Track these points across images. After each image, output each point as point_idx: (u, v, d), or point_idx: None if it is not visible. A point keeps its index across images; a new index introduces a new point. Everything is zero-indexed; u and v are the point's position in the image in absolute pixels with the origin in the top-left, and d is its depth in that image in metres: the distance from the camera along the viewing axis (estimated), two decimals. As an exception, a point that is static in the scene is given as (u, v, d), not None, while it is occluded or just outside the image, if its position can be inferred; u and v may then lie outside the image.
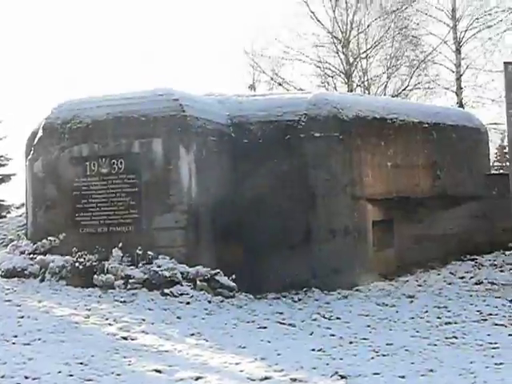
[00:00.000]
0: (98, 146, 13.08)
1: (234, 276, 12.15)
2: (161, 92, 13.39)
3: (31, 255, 12.71)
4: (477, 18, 33.82)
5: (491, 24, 33.57)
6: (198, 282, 11.79)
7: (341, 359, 8.39)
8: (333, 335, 9.77)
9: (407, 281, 14.07)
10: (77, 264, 12.04)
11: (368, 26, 35.61)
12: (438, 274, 14.55)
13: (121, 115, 12.99)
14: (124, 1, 63.39)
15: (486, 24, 33.73)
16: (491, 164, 23.06)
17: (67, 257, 12.29)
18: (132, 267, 12.03)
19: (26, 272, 12.35)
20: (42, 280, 12.12)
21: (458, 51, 34.10)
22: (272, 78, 36.58)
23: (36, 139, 13.58)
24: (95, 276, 11.83)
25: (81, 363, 7.64)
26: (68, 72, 61.66)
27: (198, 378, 7.32)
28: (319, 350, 8.80)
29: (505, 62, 13.03)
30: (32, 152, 13.56)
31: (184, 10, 65.32)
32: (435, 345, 9.21)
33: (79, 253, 12.24)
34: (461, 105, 32.89)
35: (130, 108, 13.02)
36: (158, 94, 13.25)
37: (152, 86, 13.82)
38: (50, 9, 65.39)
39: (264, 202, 13.51)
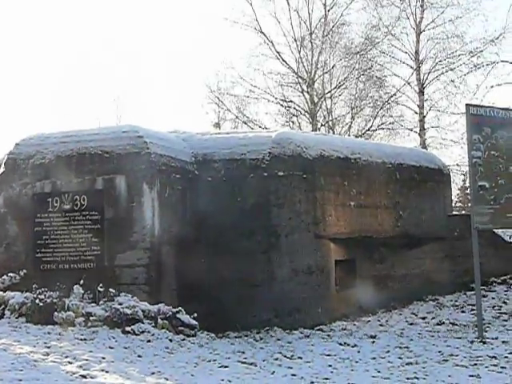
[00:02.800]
0: (60, 182, 13.00)
1: (195, 314, 12.07)
2: (125, 129, 13.39)
3: (-10, 291, 12.53)
4: (439, 61, 34.41)
5: (454, 67, 34.16)
6: (159, 320, 11.70)
7: (302, 399, 8.35)
8: (294, 375, 9.72)
9: (369, 321, 14.11)
10: (37, 301, 11.88)
11: (333, 67, 36.05)
12: (400, 314, 14.62)
13: (84, 151, 12.95)
14: (91, 35, 63.48)
15: (448, 66, 34.31)
16: (453, 205, 23.30)
17: (27, 293, 12.12)
18: (93, 304, 11.91)
19: (-16, 308, 12.15)
20: (1, 317, 11.93)
21: (421, 93, 34.59)
22: (237, 117, 36.82)
23: (-2, 175, 13.47)
24: (55, 313, 11.68)
25: (38, 402, 7.51)
26: (32, 107, 61.43)
27: (157, 418, 7.23)
28: (280, 390, 8.76)
29: (467, 104, 13.20)
30: (-6, 187, 13.44)
31: (149, 47, 65.57)
32: (396, 385, 9.21)
33: (40, 289, 12.08)
34: (424, 146, 33.27)
35: (93, 144, 12.98)
36: (123, 131, 13.24)
37: (117, 122, 13.82)
38: (8, 35, 65.25)
39: (228, 240, 13.49)
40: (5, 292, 12.38)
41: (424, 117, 34.76)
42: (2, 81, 64.38)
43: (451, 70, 34.26)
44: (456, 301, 15.46)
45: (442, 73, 34.51)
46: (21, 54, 65.27)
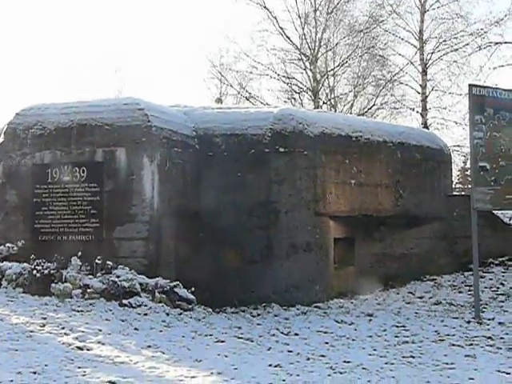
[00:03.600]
0: (60, 153, 12.95)
1: (193, 289, 12.07)
2: (126, 101, 13.31)
3: (-12, 261, 12.52)
4: (444, 41, 34.22)
5: (457, 47, 33.99)
6: (156, 294, 11.69)
7: (297, 375, 8.35)
8: (290, 351, 9.74)
9: (366, 299, 14.12)
10: (34, 272, 11.86)
11: (336, 45, 35.86)
12: (398, 294, 14.63)
13: (85, 123, 12.88)
14: (95, 11, 63.19)
15: (452, 47, 34.15)
16: (453, 186, 23.27)
17: (25, 264, 12.10)
18: (90, 277, 11.89)
19: (-19, 278, 12.15)
20: (-2, 287, 11.94)
21: (424, 72, 34.44)
22: (239, 92, 36.70)
23: (-2, 144, 13.42)
24: (53, 284, 11.67)
25: (34, 372, 7.50)
26: (33, 77, 61.24)
27: (152, 391, 7.24)
28: (276, 366, 8.76)
29: (470, 85, 13.13)
30: (-7, 157, 13.40)
31: (153, 21, 65.28)
32: (392, 363, 9.21)
33: (37, 260, 12.06)
34: (425, 126, 33.18)
35: (94, 116, 12.91)
36: (124, 104, 13.16)
37: (118, 95, 13.75)
38: (16, 11, 64.93)
39: (227, 215, 13.48)
40: (2, 262, 12.36)
41: (426, 97, 34.64)
42: (4, 50, 64.16)
43: (455, 50, 34.12)
44: (454, 281, 15.46)
45: (446, 53, 34.37)
46: (23, 23, 65.02)
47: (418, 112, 35.12)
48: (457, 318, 12.48)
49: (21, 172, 13.10)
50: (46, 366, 7.78)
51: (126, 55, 60.92)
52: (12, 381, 7.11)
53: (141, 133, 12.63)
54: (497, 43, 32.26)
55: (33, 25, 65.38)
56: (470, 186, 15.94)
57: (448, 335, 11.06)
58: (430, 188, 16.40)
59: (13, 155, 13.19)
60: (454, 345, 10.45)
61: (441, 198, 16.60)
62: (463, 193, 29.33)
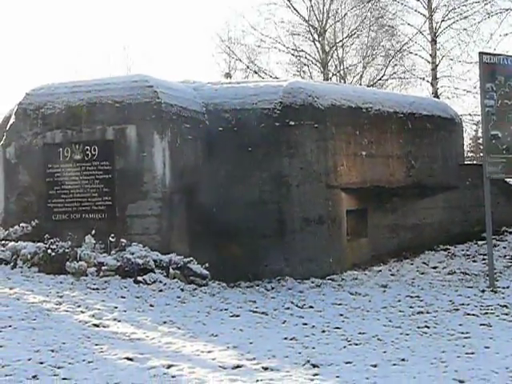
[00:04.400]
0: (71, 132, 12.96)
1: (207, 264, 12.12)
2: (136, 78, 13.30)
3: (3, 241, 12.58)
4: (453, 9, 33.89)
5: (467, 15, 33.67)
6: (171, 270, 11.75)
7: (313, 348, 8.40)
8: (305, 324, 9.79)
9: (380, 270, 14.15)
10: (49, 251, 11.92)
11: (344, 15, 35.68)
12: (411, 264, 14.65)
13: (95, 101, 12.88)
14: (100, -14, 62.96)
15: (461, 14, 33.80)
16: (465, 154, 23.18)
17: (39, 243, 12.17)
18: (105, 254, 11.96)
19: (-3, 258, 12.23)
20: (14, 267, 12.00)
21: (433, 41, 34.17)
22: (248, 66, 36.58)
23: (8, 125, 13.44)
24: (67, 263, 11.74)
25: (52, 350, 7.58)
26: (42, 57, 61.20)
27: (169, 366, 7.29)
28: (291, 339, 8.82)
29: (480, 53, 13.06)
30: (4, 137, 13.42)
31: (160, -3, 65.02)
32: (407, 334, 9.25)
33: (52, 240, 12.13)
34: (436, 95, 32.99)
35: (104, 94, 12.91)
36: (133, 81, 13.15)
37: (127, 72, 13.72)
38: (24, -7, 64.79)
39: (238, 190, 13.49)
40: (17, 242, 12.43)
41: (436, 66, 34.39)
42: (13, 30, 64.08)
43: (464, 18, 33.77)
44: (467, 250, 15.46)
45: (455, 21, 34.03)
46: (32, 3, 64.87)
47: (428, 81, 34.90)
48: (471, 287, 12.51)
49: (32, 152, 13.13)
50: (63, 343, 7.86)
51: (134, 32, 60.75)
52: (30, 359, 7.19)
53: (151, 110, 12.63)
54: (507, 9, 31.92)
55: (41, 3, 65.22)
56: (482, 155, 15.88)
57: (463, 304, 11.08)
58: (441, 157, 16.34)
59: (24, 135, 13.21)
60: (468, 314, 10.48)
61: (453, 167, 16.55)
62: (475, 162, 29.24)
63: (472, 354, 8.18)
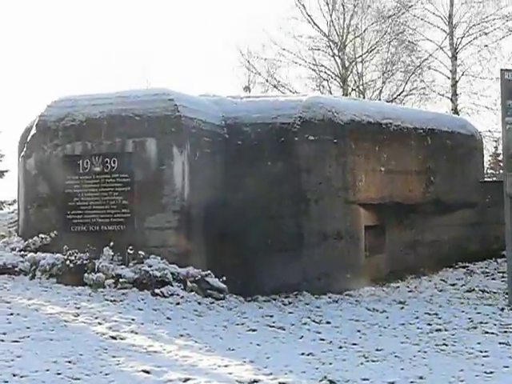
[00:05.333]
0: (91, 144, 13.03)
1: (224, 278, 12.11)
2: (156, 92, 13.37)
3: (22, 252, 12.65)
4: (474, 25, 33.90)
5: (488, 31, 33.65)
6: (188, 283, 11.76)
7: (330, 364, 8.36)
8: (322, 339, 9.74)
9: (398, 287, 14.07)
10: (67, 262, 11.97)
11: (364, 31, 35.67)
12: (430, 281, 14.56)
13: (115, 114, 12.95)
14: (120, 2, 63.35)
15: (482, 31, 33.81)
16: (485, 171, 23.09)
17: (58, 255, 12.23)
18: (123, 266, 11.98)
19: (16, 269, 12.26)
20: (33, 277, 12.06)
21: (454, 57, 34.14)
22: (267, 80, 36.60)
23: (29, 136, 13.53)
24: (86, 274, 11.78)
25: (69, 362, 7.59)
26: (64, 69, 61.60)
27: (186, 380, 7.28)
28: (309, 355, 8.78)
29: (502, 70, 13.01)
30: (25, 149, 13.51)
31: (180, 11, 65.32)
32: (425, 352, 9.18)
33: (70, 251, 12.17)
34: (456, 111, 32.92)
35: (124, 107, 12.97)
36: (153, 94, 13.22)
37: (147, 86, 13.78)
38: (50, 6, 65.27)
39: (256, 204, 13.47)
40: (36, 253, 12.49)
41: (456, 82, 34.34)
42: (34, 44, 64.58)
43: (485, 34, 33.78)
44: (486, 268, 15.35)
45: (476, 37, 34.05)
46: (53, 18, 65.37)
47: (447, 97, 34.86)
48: (490, 305, 12.41)
49: (52, 163, 13.20)
50: (80, 355, 7.87)
51: (155, 45, 61.02)
52: (48, 370, 7.20)
53: (171, 123, 12.67)
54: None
55: (62, 18, 65.68)
56: (501, 172, 15.80)
57: (481, 323, 11.00)
58: (461, 174, 16.27)
59: (44, 147, 13.29)
60: (487, 332, 10.38)
61: (472, 184, 16.46)
62: (495, 178, 29.10)
63: (491, 373, 8.10)
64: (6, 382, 6.80)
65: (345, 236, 13.74)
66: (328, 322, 10.95)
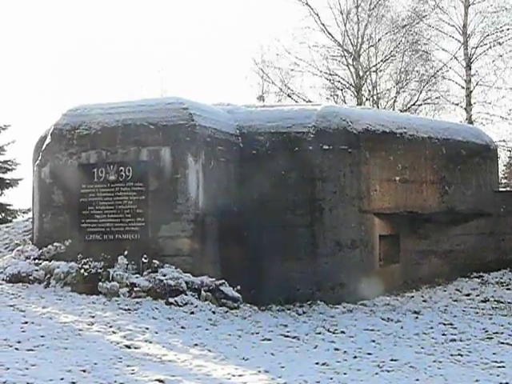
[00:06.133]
0: (105, 153, 13.06)
1: (238, 287, 12.11)
2: (170, 100, 13.39)
3: (36, 260, 12.69)
4: (488, 35, 33.80)
5: (502, 41, 33.57)
6: (202, 292, 11.76)
7: (345, 374, 8.34)
8: (337, 349, 9.72)
9: (413, 296, 14.02)
10: (82, 271, 12.01)
11: (379, 40, 35.62)
12: (444, 291, 14.50)
13: (130, 123, 12.98)
14: (135, 11, 63.61)
15: (497, 41, 33.71)
16: (499, 181, 23.01)
17: (72, 263, 12.26)
18: (137, 275, 12.00)
19: (30, 277, 12.31)
20: (47, 286, 12.10)
21: (468, 67, 34.06)
22: (281, 90, 36.57)
23: (44, 145, 13.58)
24: (100, 283, 11.80)
25: (83, 371, 7.61)
26: (78, 78, 61.85)
27: (200, 389, 7.28)
28: (323, 364, 8.76)
29: (516, 79, 12.99)
30: (40, 157, 13.56)
31: (195, 21, 65.52)
32: (440, 362, 9.15)
33: (84, 259, 12.21)
34: (470, 121, 32.82)
35: (139, 116, 13.01)
36: (168, 103, 13.25)
37: (162, 94, 13.80)
38: (61, 15, 65.60)
39: (271, 214, 13.48)
40: (50, 261, 12.52)
41: (471, 92, 34.24)
42: (49, 53, 64.90)
43: (499, 44, 33.69)
44: (501, 278, 15.27)
45: (490, 47, 33.93)
46: (70, 28, 65.70)
47: (462, 107, 34.76)
48: (505, 315, 12.36)
49: (67, 172, 13.24)
50: (95, 364, 7.88)
51: (169, 54, 61.22)
52: (63, 379, 7.22)
53: (185, 132, 12.69)
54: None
55: (79, 27, 66.01)
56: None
57: (496, 333, 10.94)
58: (475, 184, 16.21)
59: (59, 156, 13.33)
60: (502, 343, 10.35)
61: (487, 193, 16.39)
62: (509, 188, 28.98)
63: (506, 383, 8.06)
64: (21, 390, 6.82)
65: (359, 245, 13.72)
66: (342, 332, 10.92)
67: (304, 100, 35.04)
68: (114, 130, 13.06)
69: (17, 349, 8.30)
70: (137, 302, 11.30)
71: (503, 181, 38.55)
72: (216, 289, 11.91)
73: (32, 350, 8.28)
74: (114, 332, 9.49)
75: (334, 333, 10.87)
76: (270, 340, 10.11)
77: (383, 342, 10.29)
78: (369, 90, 36.36)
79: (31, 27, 64.85)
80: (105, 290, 11.71)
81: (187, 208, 12.52)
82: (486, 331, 11.09)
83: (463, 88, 34.63)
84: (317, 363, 8.81)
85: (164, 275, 11.82)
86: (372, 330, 11.09)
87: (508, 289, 14.58)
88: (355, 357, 9.30)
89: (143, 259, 12.13)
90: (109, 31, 66.32)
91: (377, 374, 8.45)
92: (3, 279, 12.39)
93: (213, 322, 10.76)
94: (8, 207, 29.65)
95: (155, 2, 60.42)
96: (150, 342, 9.17)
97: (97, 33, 65.68)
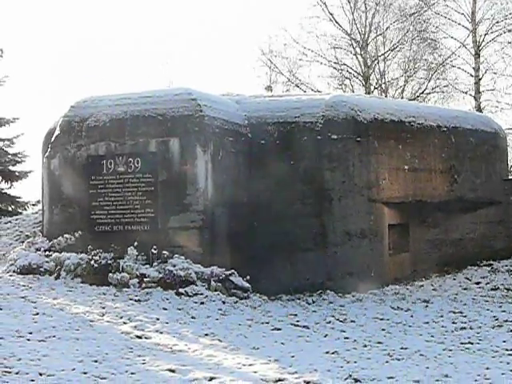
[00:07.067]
0: (114, 144, 13.09)
1: (248, 277, 12.13)
2: (179, 91, 13.38)
3: (47, 252, 12.73)
4: (497, 22, 33.60)
5: (511, 28, 33.37)
6: (212, 283, 11.78)
7: (355, 362, 8.37)
8: (347, 338, 9.75)
9: (422, 285, 14.03)
10: (92, 262, 12.05)
11: (387, 29, 35.49)
12: (454, 279, 14.50)
13: (138, 114, 13.00)
14: (143, 1, 63.56)
15: (506, 28, 33.52)
16: (509, 169, 22.93)
17: (83, 254, 12.31)
18: (147, 266, 12.03)
19: (41, 269, 12.36)
20: (57, 277, 12.14)
21: (477, 55, 33.89)
22: (289, 79, 36.50)
23: (53, 137, 13.61)
24: (110, 274, 11.84)
25: (95, 361, 7.65)
26: (86, 70, 61.88)
27: (211, 379, 7.31)
28: (333, 353, 8.79)
29: (525, 67, 12.94)
30: (49, 149, 13.59)
31: (202, 11, 65.42)
32: (450, 350, 9.17)
33: (94, 251, 12.25)
34: (479, 109, 32.70)
35: (147, 107, 13.02)
36: (176, 94, 13.24)
37: (170, 85, 13.79)
38: (70, 7, 65.62)
39: (280, 203, 13.49)
40: (60, 253, 12.57)
41: (480, 79, 34.08)
42: (57, 45, 64.97)
43: (509, 31, 33.48)
44: (511, 266, 15.25)
45: (499, 34, 33.72)
46: (76, 18, 65.70)
47: (471, 95, 34.62)
48: (515, 303, 12.36)
49: (76, 164, 13.28)
50: (106, 354, 7.92)
51: (176, 45, 61.17)
52: (74, 369, 7.26)
53: (194, 122, 12.70)
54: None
55: (85, 18, 66.03)
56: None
57: (506, 321, 10.95)
58: (485, 172, 16.18)
59: (68, 147, 13.37)
60: (512, 331, 10.36)
61: (496, 182, 16.36)
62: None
63: (517, 371, 8.08)
64: (33, 380, 6.86)
65: (368, 235, 13.72)
66: (352, 321, 10.95)
67: (312, 90, 34.95)
68: (122, 121, 13.07)
69: (28, 340, 8.34)
70: (147, 293, 11.35)
71: (512, 169, 38.43)
72: (226, 279, 11.93)
73: (44, 341, 8.33)
74: (124, 322, 9.54)
75: (343, 322, 10.90)
76: (280, 329, 10.14)
77: (393, 331, 10.31)
78: (377, 79, 36.26)
79: (36, 17, 64.89)
80: (115, 281, 11.75)
81: (196, 199, 12.54)
82: (496, 319, 11.10)
83: (472, 76, 34.48)
84: (327, 352, 8.84)
85: (174, 266, 11.85)
86: (382, 319, 11.12)
87: (518, 277, 14.56)
88: (365, 345, 9.33)
89: (153, 250, 12.16)
90: (118, 22, 66.32)
91: (387, 362, 8.48)
92: (14, 271, 12.45)
93: (223, 312, 10.80)
94: (18, 200, 29.68)
95: (162, -8, 60.38)
96: (161, 333, 9.21)
97: (106, 24, 65.71)
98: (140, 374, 7.34)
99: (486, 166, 16.23)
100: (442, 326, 10.65)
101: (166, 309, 10.60)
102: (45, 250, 12.83)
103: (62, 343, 8.30)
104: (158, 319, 9.81)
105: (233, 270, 12.11)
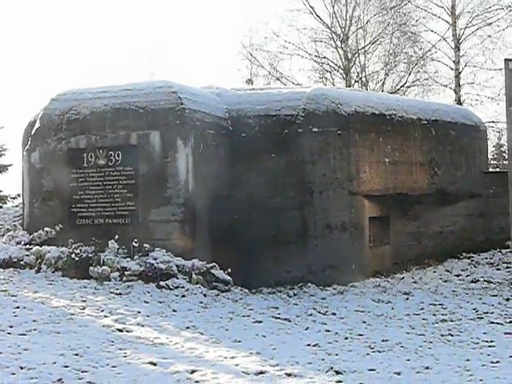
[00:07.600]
0: (95, 137, 13.04)
1: (229, 270, 12.13)
2: (159, 84, 13.35)
3: (27, 246, 12.68)
4: (477, 15, 33.78)
5: (491, 21, 33.56)
6: (193, 276, 11.77)
7: (336, 355, 8.39)
8: (328, 331, 9.77)
9: (403, 278, 14.09)
10: (73, 255, 12.00)
11: (367, 22, 35.58)
12: (434, 272, 14.57)
13: (119, 107, 12.95)
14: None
15: (485, 21, 33.70)
16: (488, 162, 23.06)
17: (63, 248, 12.25)
18: (128, 259, 12.00)
19: (21, 262, 12.30)
20: (38, 271, 12.08)
21: (457, 48, 34.04)
22: (270, 73, 36.53)
23: (33, 130, 13.53)
24: (91, 268, 11.80)
25: (76, 354, 7.62)
26: (67, 63, 61.59)
27: (193, 371, 7.31)
28: (314, 346, 8.81)
29: (505, 59, 13.03)
30: (29, 143, 13.52)
31: (183, 4, 65.23)
32: (431, 342, 9.22)
33: (75, 244, 12.20)
34: (459, 102, 32.85)
35: (128, 100, 12.98)
36: (157, 87, 13.21)
37: (150, 78, 13.75)
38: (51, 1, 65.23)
39: (260, 196, 13.50)
40: (41, 246, 12.52)
41: (460, 73, 34.24)
42: (37, 38, 64.56)
43: (488, 24, 33.66)
44: (491, 258, 15.35)
45: (479, 28, 33.91)
46: (56, 11, 65.32)
47: (451, 88, 34.78)
48: (495, 295, 12.43)
49: (57, 157, 13.22)
50: (87, 347, 7.90)
51: (157, 38, 60.95)
52: (55, 362, 7.23)
53: (174, 116, 12.67)
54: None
55: (66, 11, 65.67)
56: (505, 163, 15.79)
57: (487, 313, 11.02)
58: (465, 165, 16.26)
59: (48, 140, 13.30)
60: (493, 322, 10.42)
61: (476, 174, 16.45)
62: (498, 169, 29.07)
63: (497, 362, 8.13)
64: (14, 374, 6.83)
65: (349, 227, 13.76)
66: (333, 314, 10.97)
67: (293, 83, 34.99)
68: (103, 114, 13.02)
69: (9, 333, 8.30)
70: (128, 286, 11.32)
71: (492, 162, 38.65)
72: (207, 272, 11.92)
73: (24, 335, 8.29)
74: (105, 316, 9.50)
75: (325, 314, 10.92)
76: (261, 322, 10.15)
77: (374, 323, 10.35)
78: (357, 73, 36.35)
79: (18, 10, 64.48)
80: (96, 275, 11.71)
81: (177, 192, 12.52)
82: (477, 311, 11.17)
83: (452, 69, 34.63)
84: (308, 345, 8.85)
85: (155, 259, 11.83)
86: (363, 312, 11.15)
87: (498, 269, 14.65)
88: (346, 338, 9.35)
89: (134, 243, 12.13)
90: (99, 15, 65.99)
91: (368, 354, 8.50)
92: (-6, 264, 12.38)
93: (204, 305, 10.79)
94: (-2, 193, 29.63)
95: (143, -15, 60.17)
96: (142, 326, 9.19)
97: (86, 17, 65.38)
98: (121, 367, 7.32)
99: (466, 158, 16.32)
100: (423, 319, 10.70)
101: (147, 302, 10.58)
102: (25, 244, 12.78)
103: (43, 337, 8.27)
104: (139, 312, 9.79)
105: (214, 263, 12.10)
